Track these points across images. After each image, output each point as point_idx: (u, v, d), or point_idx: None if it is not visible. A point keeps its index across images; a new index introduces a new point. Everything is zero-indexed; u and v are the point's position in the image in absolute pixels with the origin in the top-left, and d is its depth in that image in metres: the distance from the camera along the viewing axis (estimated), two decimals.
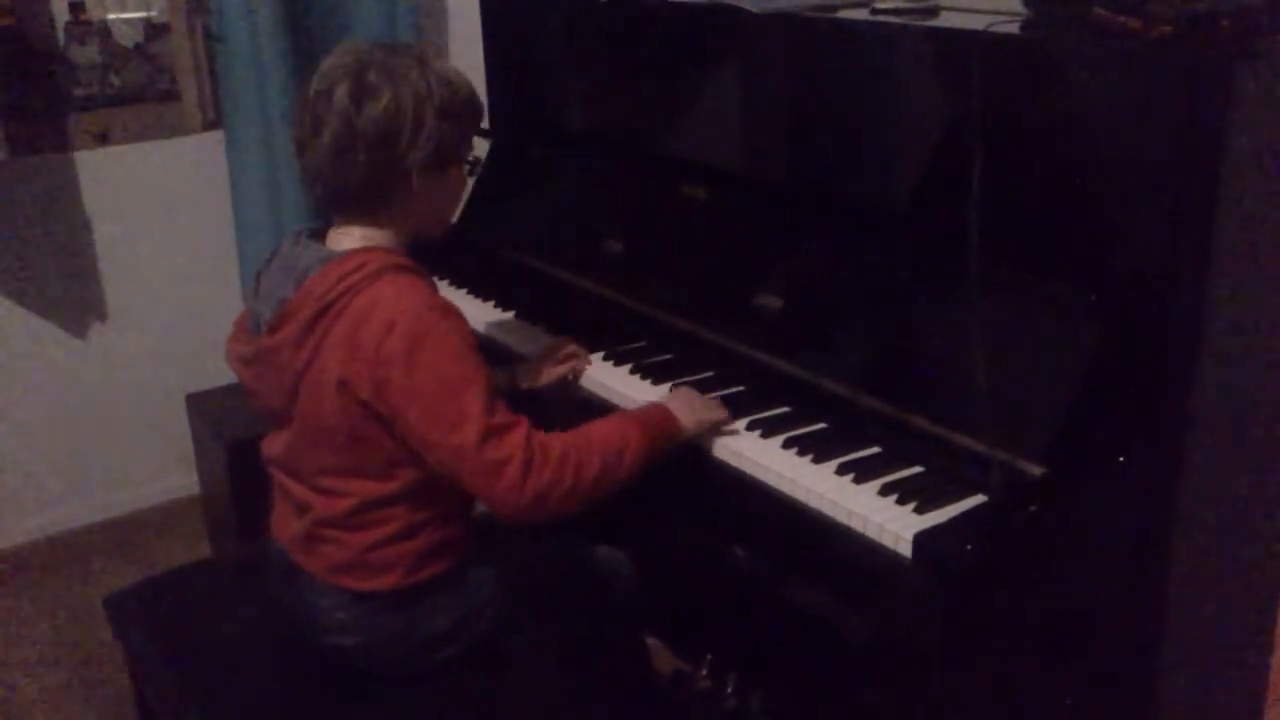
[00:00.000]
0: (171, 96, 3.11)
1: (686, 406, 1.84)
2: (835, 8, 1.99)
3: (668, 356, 2.11)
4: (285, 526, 1.84)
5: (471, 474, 1.62)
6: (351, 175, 1.66)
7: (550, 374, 2.12)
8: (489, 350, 2.22)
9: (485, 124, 2.82)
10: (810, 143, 2.10)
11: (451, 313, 1.66)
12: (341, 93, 1.64)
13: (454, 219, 1.85)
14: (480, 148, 2.79)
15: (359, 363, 1.61)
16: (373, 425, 1.65)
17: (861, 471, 1.69)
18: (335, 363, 1.63)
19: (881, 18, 1.89)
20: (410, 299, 1.62)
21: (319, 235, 1.76)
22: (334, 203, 1.72)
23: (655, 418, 1.79)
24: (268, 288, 1.73)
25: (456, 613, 1.81)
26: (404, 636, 1.79)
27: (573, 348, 2.14)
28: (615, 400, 2.02)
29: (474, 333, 2.32)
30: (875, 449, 1.76)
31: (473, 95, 1.76)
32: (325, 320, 1.63)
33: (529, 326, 2.34)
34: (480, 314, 2.42)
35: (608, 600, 1.99)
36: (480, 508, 1.74)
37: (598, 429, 1.73)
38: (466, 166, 1.79)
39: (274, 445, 1.81)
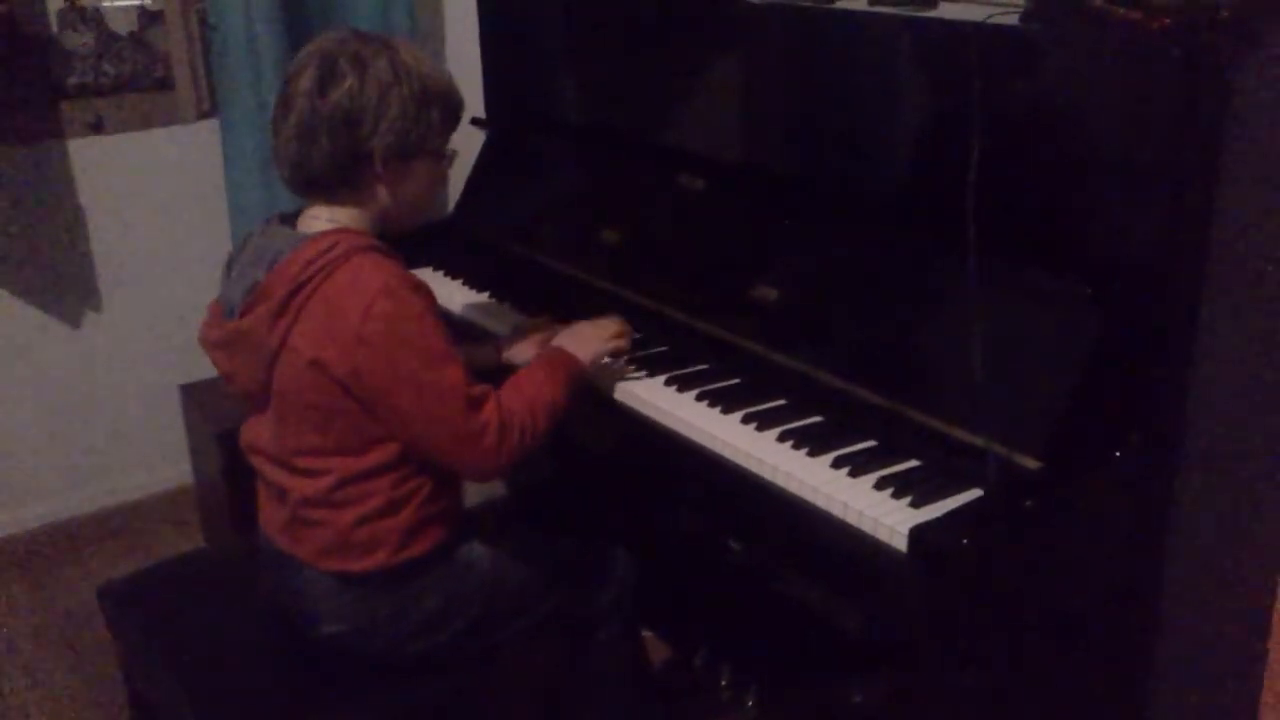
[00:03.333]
0: (165, 85, 3.09)
1: (580, 344, 1.93)
2: None
3: (663, 348, 2.10)
4: (271, 516, 1.85)
5: (454, 443, 1.69)
6: (315, 158, 1.69)
7: (535, 350, 2.11)
8: (481, 339, 2.22)
9: (481, 113, 2.83)
10: (807, 133, 2.09)
11: (423, 289, 1.70)
12: (308, 78, 1.68)
13: (426, 213, 1.86)
14: (476, 138, 2.80)
15: (336, 345, 1.64)
16: (348, 401, 1.68)
17: (857, 465, 1.69)
18: (308, 344, 1.66)
19: (879, 8, 1.88)
20: (383, 278, 1.65)
21: (291, 220, 1.78)
22: (301, 184, 1.75)
23: (564, 365, 1.87)
24: (239, 273, 1.75)
25: (446, 595, 1.82)
26: (395, 620, 1.80)
27: (556, 325, 2.15)
28: (615, 394, 2.01)
29: (470, 322, 2.34)
30: (871, 442, 1.75)
31: (447, 91, 1.77)
32: (297, 300, 1.66)
33: (524, 318, 2.33)
34: (475, 305, 2.41)
35: (605, 595, 1.99)
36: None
37: (531, 388, 1.80)
38: (441, 161, 1.80)
39: (251, 432, 1.83)
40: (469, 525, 1.93)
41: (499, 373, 2.08)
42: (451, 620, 1.83)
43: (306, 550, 1.80)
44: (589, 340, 1.96)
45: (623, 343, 2.00)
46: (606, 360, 1.99)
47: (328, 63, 1.68)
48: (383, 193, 1.74)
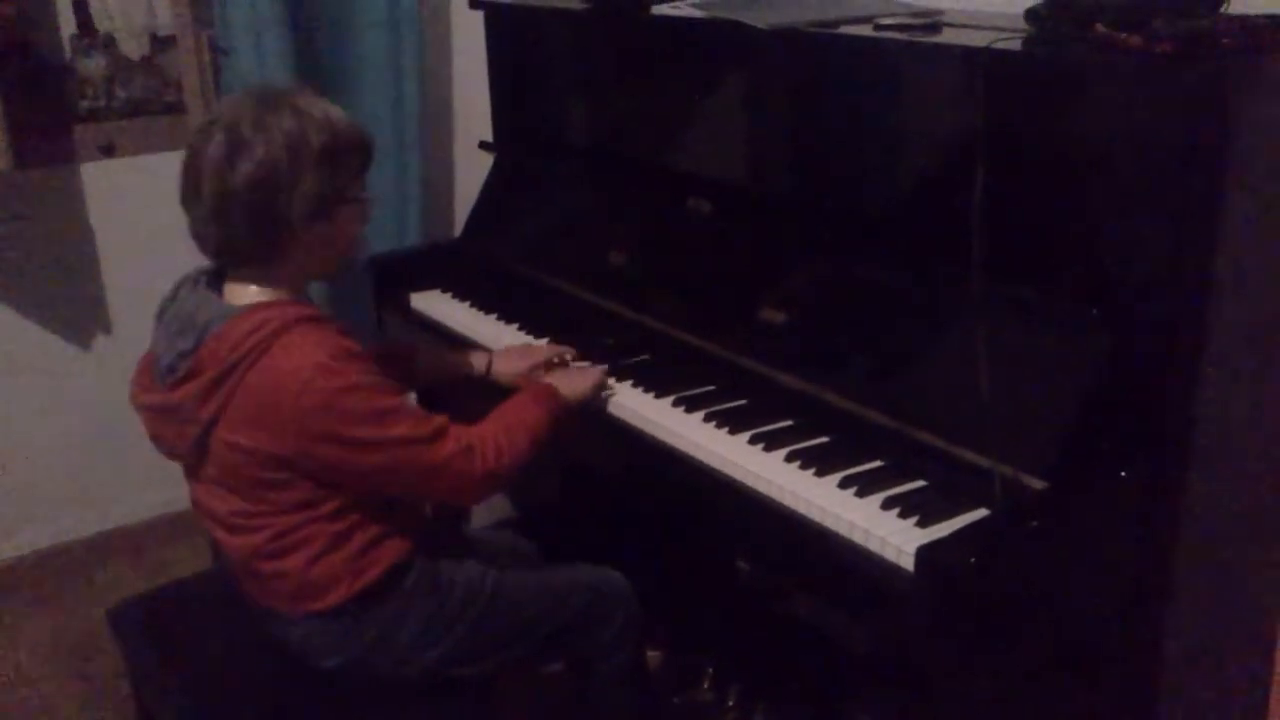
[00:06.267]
0: (177, 109, 3.11)
1: (567, 382, 2.00)
2: (839, 23, 1.99)
3: (671, 370, 2.11)
4: (234, 571, 1.87)
5: (428, 480, 1.73)
6: (234, 234, 1.66)
7: (525, 368, 2.15)
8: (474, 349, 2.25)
9: (489, 137, 2.85)
10: (814, 157, 2.10)
11: (357, 356, 1.69)
12: (215, 149, 1.64)
13: (352, 257, 1.86)
14: (484, 161, 2.82)
15: (275, 430, 1.64)
16: (285, 473, 1.68)
17: (864, 485, 1.70)
18: (242, 427, 1.66)
19: (885, 34, 1.90)
20: (315, 356, 1.64)
21: (218, 278, 1.76)
22: (223, 258, 1.73)
23: (546, 396, 1.93)
24: (168, 333, 1.72)
25: (431, 610, 1.83)
26: (386, 643, 1.81)
27: (558, 348, 2.20)
28: (623, 415, 2.02)
29: (477, 345, 2.36)
30: (878, 463, 1.76)
31: (356, 135, 1.73)
32: (229, 382, 1.64)
33: (532, 340, 2.34)
34: (483, 327, 2.42)
35: (609, 626, 1.99)
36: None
37: (511, 414, 1.86)
38: (362, 206, 1.77)
39: (194, 492, 1.83)
40: (460, 543, 1.95)
41: (483, 383, 2.16)
42: (444, 635, 1.84)
43: (273, 599, 1.81)
44: (576, 379, 2.01)
45: (600, 388, 2.04)
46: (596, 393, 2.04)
47: (231, 132, 1.63)
48: (310, 250, 1.71)
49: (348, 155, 1.71)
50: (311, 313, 1.71)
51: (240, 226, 1.65)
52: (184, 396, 1.68)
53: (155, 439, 1.81)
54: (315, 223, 1.69)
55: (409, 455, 1.69)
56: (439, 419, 1.74)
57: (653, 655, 2.46)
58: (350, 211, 1.75)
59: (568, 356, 2.18)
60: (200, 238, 1.71)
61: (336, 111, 1.72)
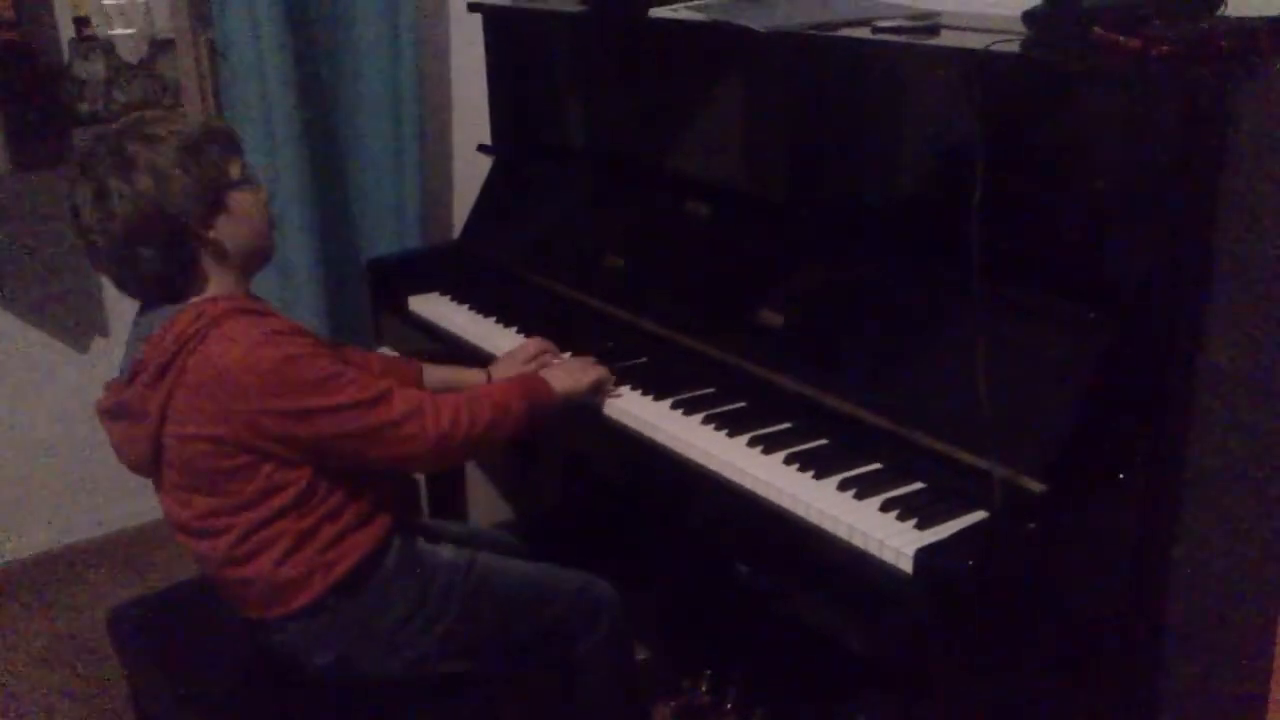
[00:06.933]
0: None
1: (558, 376, 2.00)
2: (837, 26, 2.00)
3: (670, 372, 2.12)
4: (212, 581, 1.87)
5: (381, 443, 1.73)
6: (148, 268, 1.69)
7: (523, 367, 2.17)
8: (473, 362, 2.24)
9: (487, 140, 2.85)
10: (812, 160, 2.11)
11: (296, 331, 1.72)
12: (84, 203, 1.67)
13: (270, 237, 1.84)
14: (483, 164, 2.82)
15: (222, 412, 1.66)
16: (243, 456, 1.69)
17: (863, 488, 1.70)
18: (190, 415, 1.68)
19: (883, 36, 1.90)
20: (253, 336, 1.66)
21: None
22: (161, 295, 1.74)
23: (531, 385, 1.95)
24: (129, 349, 1.77)
25: (415, 596, 1.83)
26: (367, 636, 1.81)
27: (545, 343, 2.22)
28: (621, 417, 2.02)
29: (477, 347, 2.36)
30: (876, 465, 1.76)
31: (205, 126, 1.75)
32: (171, 371, 1.67)
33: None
34: (481, 330, 2.42)
35: (594, 634, 1.99)
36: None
37: (484, 390, 1.90)
38: (251, 186, 1.78)
39: (165, 506, 1.84)
40: (441, 532, 1.95)
41: None
42: (429, 625, 1.84)
43: (250, 607, 1.82)
44: (569, 374, 2.01)
45: (601, 386, 2.04)
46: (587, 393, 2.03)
47: (93, 181, 1.66)
48: (223, 247, 1.73)
49: (206, 145, 1.71)
50: (250, 305, 1.74)
51: (148, 259, 1.68)
52: (133, 394, 1.72)
53: (117, 449, 1.83)
54: (213, 218, 1.71)
55: (357, 419, 1.70)
56: (384, 382, 1.77)
57: (649, 657, 2.46)
58: (243, 194, 1.76)
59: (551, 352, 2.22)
60: (123, 285, 1.75)
61: (178, 117, 1.76)
